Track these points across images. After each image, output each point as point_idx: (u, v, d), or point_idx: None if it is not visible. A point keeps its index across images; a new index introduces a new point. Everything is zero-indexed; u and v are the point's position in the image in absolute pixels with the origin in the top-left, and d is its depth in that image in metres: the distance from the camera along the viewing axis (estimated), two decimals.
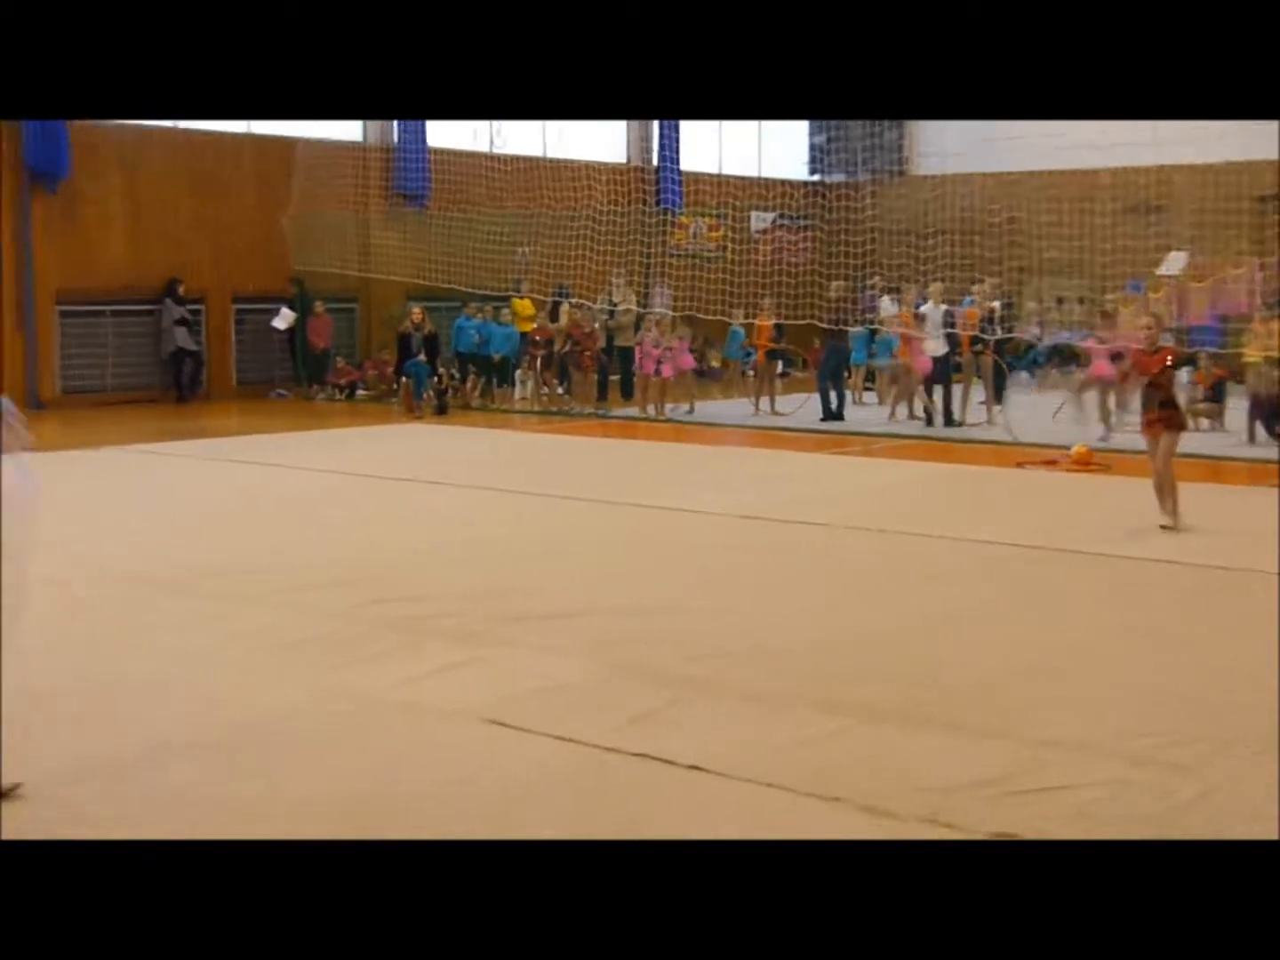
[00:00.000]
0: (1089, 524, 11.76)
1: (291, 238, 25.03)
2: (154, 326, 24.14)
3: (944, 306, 20.40)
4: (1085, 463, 15.73)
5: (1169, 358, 11.40)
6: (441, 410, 22.11)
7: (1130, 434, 18.00)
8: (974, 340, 20.48)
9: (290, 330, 24.80)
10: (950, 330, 20.28)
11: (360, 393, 24.69)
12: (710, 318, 23.48)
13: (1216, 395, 19.45)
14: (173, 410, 22.50)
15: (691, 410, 21.93)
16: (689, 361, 22.84)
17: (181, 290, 24.03)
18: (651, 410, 21.67)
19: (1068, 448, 16.45)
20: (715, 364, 28.05)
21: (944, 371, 20.26)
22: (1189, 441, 16.92)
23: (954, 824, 5.34)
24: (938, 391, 20.42)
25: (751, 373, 23.60)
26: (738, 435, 19.63)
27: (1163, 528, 11.23)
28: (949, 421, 19.90)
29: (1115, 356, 19.73)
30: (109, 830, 5.30)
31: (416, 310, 23.40)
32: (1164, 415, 11.27)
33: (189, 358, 24.15)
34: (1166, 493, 11.32)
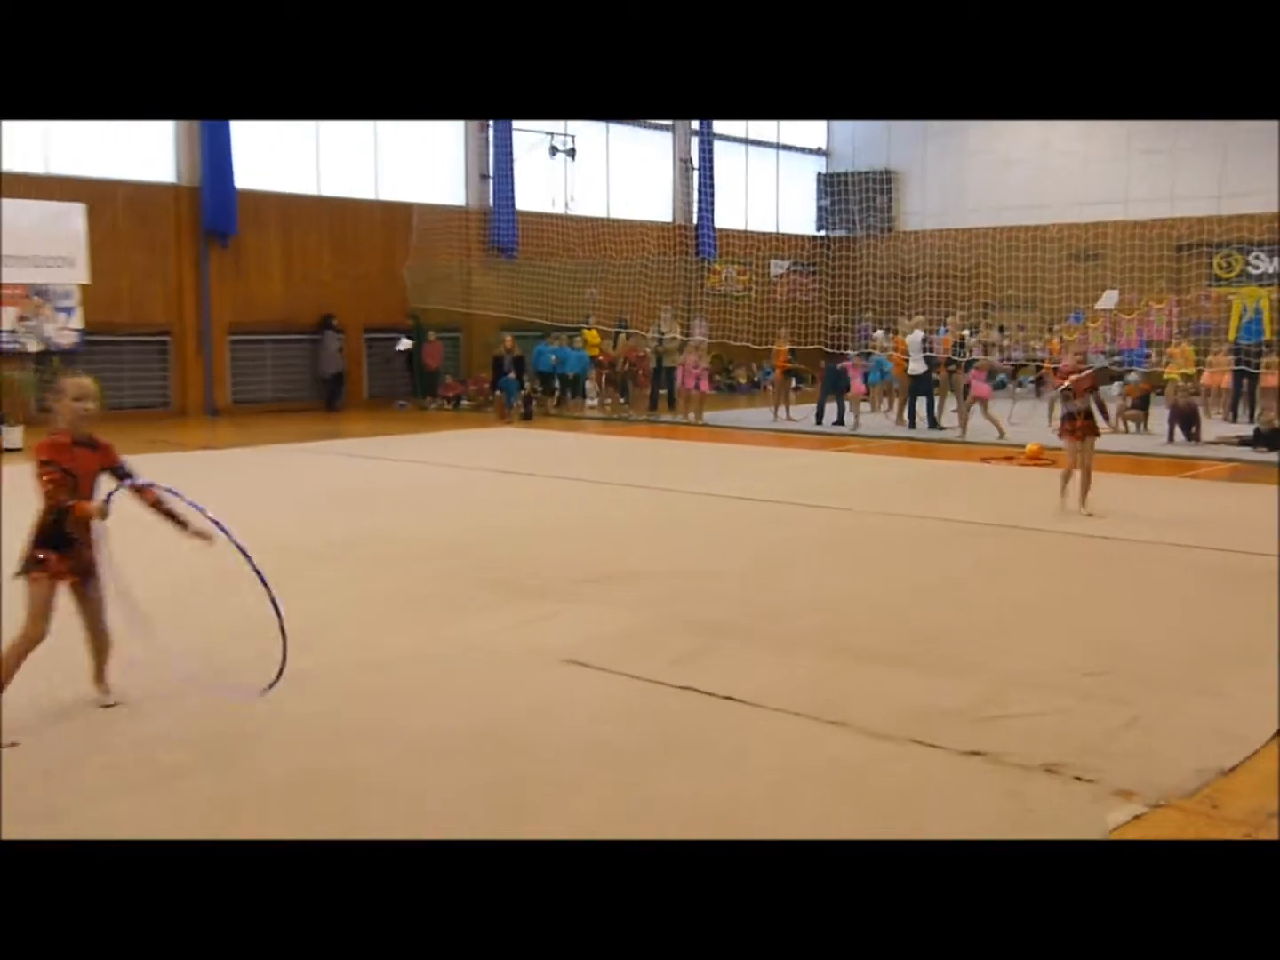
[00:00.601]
0: (1037, 507, 11.69)
1: (410, 282, 25.15)
2: (305, 350, 24.29)
3: (922, 334, 20.29)
4: (1036, 458, 15.64)
5: (1092, 379, 11.43)
6: (527, 417, 22.11)
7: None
8: (948, 361, 20.38)
9: (409, 354, 24.91)
10: (929, 354, 20.17)
11: (464, 403, 24.77)
12: (738, 344, 23.44)
13: (1142, 404, 19.30)
14: (318, 417, 22.60)
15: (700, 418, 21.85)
16: (706, 384, 22.64)
17: (335, 323, 24.18)
18: (691, 416, 21.65)
19: (1022, 446, 16.38)
20: (742, 380, 28.00)
21: (926, 385, 20.15)
22: (1120, 441, 16.91)
23: (937, 744, 5.34)
24: (910, 401, 20.39)
25: (770, 387, 23.52)
26: (760, 437, 19.56)
27: (1087, 515, 11.14)
28: (932, 425, 19.79)
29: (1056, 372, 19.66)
30: (255, 744, 5.34)
31: (508, 338, 23.49)
32: (1086, 424, 11.29)
33: (338, 377, 24.27)
34: (1084, 484, 11.26)
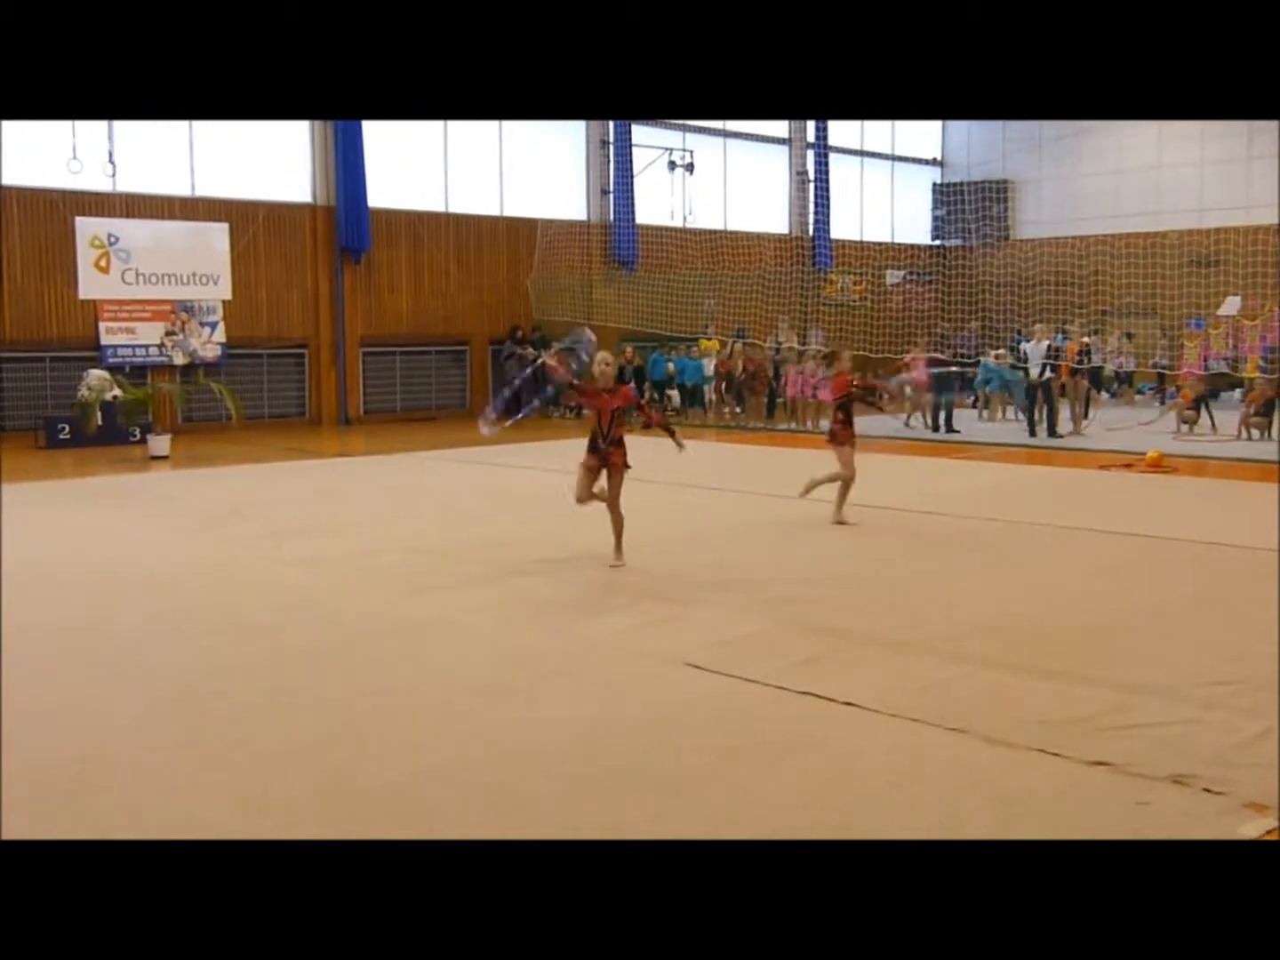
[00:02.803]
0: (1158, 514, 11.36)
1: (534, 294, 25.39)
2: (432, 361, 24.67)
3: (1046, 342, 19.79)
4: (1157, 465, 15.22)
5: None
6: (647, 425, 22.06)
7: (1206, 441, 17.42)
8: (1071, 369, 19.91)
9: (534, 362, 25.12)
10: (1052, 361, 19.70)
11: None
12: (854, 352, 23.19)
13: (1267, 411, 18.66)
14: (444, 425, 22.93)
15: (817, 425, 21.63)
16: (922, 377, 22.44)
17: (520, 334, 24.46)
18: (810, 424, 21.51)
19: (1143, 453, 15.95)
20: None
21: (1046, 393, 19.70)
22: (1245, 448, 16.38)
23: (1059, 752, 5.20)
24: (1030, 407, 19.98)
25: (887, 396, 23.21)
26: (874, 444, 19.29)
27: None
28: (1051, 433, 19.37)
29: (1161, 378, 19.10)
30: (397, 711, 5.41)
31: (628, 349, 23.58)
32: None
33: (515, 386, 24.59)
34: None
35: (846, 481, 11.04)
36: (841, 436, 11.08)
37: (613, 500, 9.19)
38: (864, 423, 19.80)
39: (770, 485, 13.52)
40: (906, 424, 20.98)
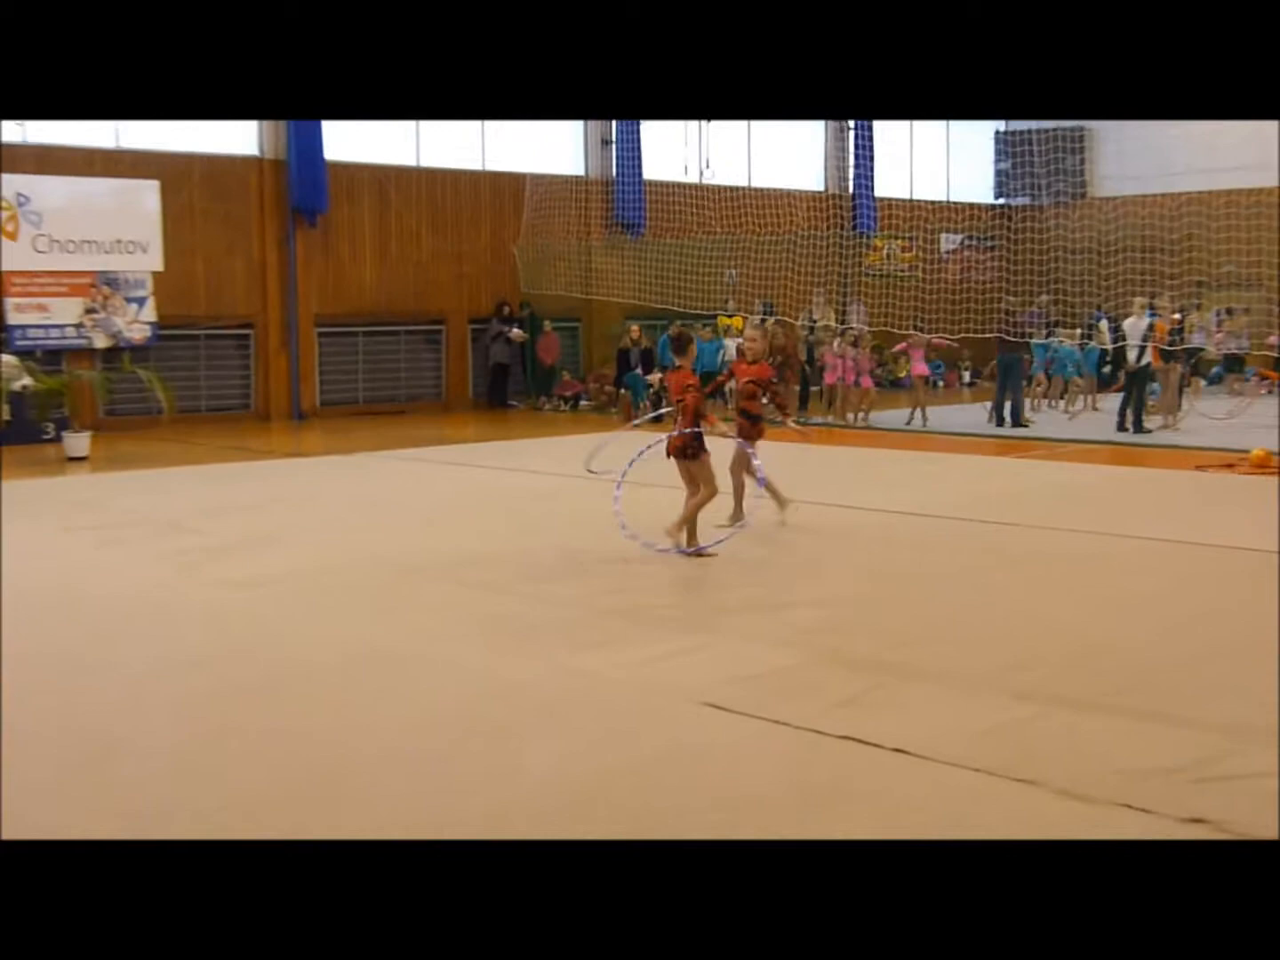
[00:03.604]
0: (1264, 524, 11.33)
1: (521, 265, 25.43)
2: (401, 343, 24.77)
3: (1146, 319, 19.70)
4: (1264, 466, 15.18)
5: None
6: (658, 419, 22.06)
7: None
8: (1162, 352, 19.86)
9: (521, 347, 25.17)
10: (1140, 343, 19.66)
11: (583, 403, 24.95)
12: (903, 333, 23.24)
13: None
14: (416, 419, 23.01)
15: (866, 418, 21.78)
16: (921, 368, 22.51)
17: (507, 311, 24.73)
18: (853, 417, 21.54)
19: (1246, 451, 15.93)
20: (902, 374, 27.78)
21: (1140, 380, 19.66)
22: None
23: (1148, 808, 5.19)
24: (1125, 396, 19.94)
25: (943, 384, 23.35)
26: (929, 440, 19.32)
27: None
28: (1138, 427, 19.34)
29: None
30: (352, 779, 5.42)
31: (634, 327, 23.63)
32: None
33: (504, 369, 24.71)
34: None
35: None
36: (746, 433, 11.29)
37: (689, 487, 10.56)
38: (883, 417, 19.79)
39: (798, 489, 13.46)
40: (908, 422, 21.15)
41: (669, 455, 10.56)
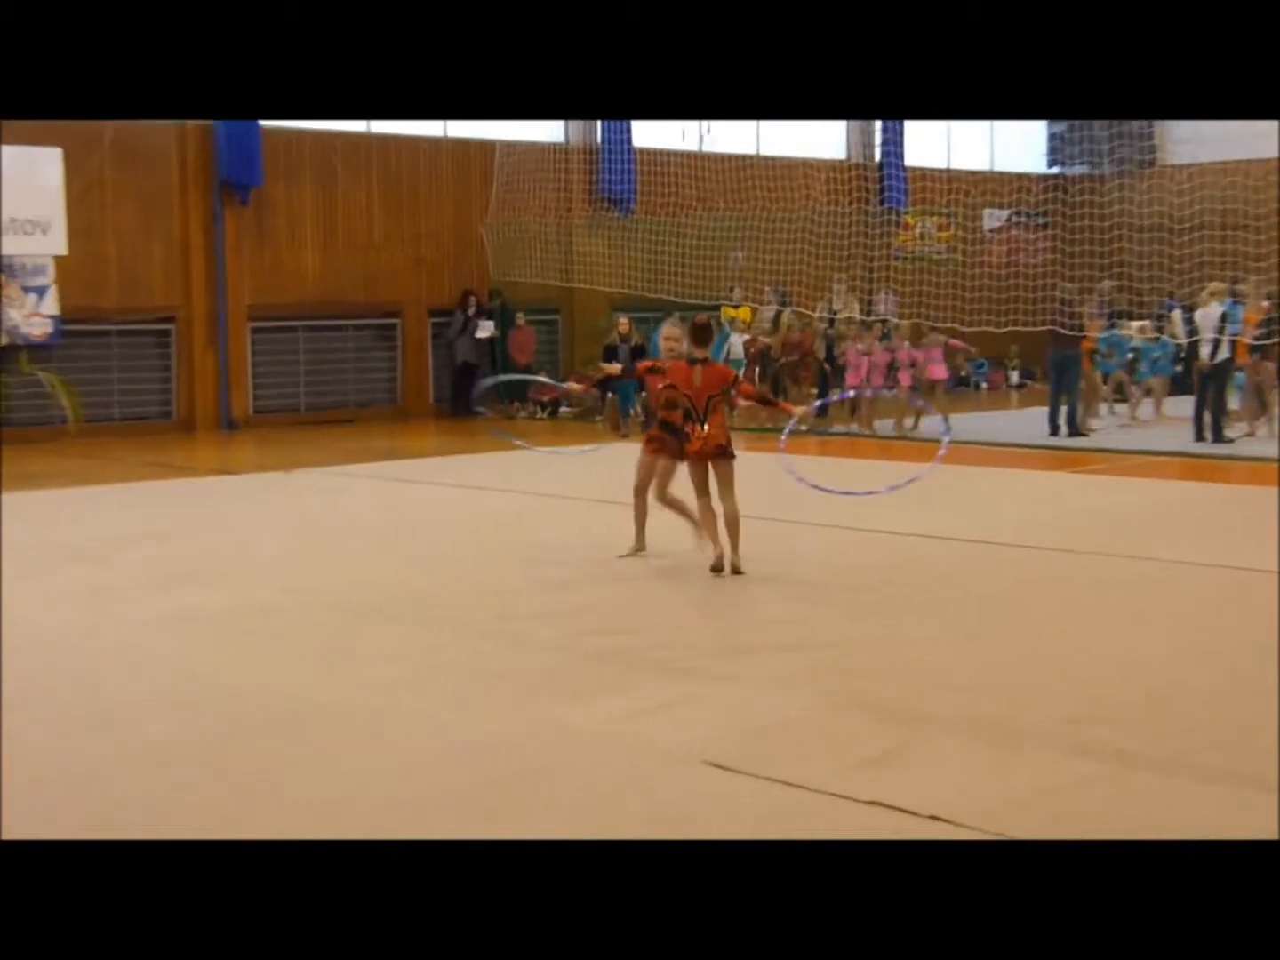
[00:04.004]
0: None
1: (490, 247, 25.47)
2: (349, 339, 24.78)
3: (1220, 308, 19.69)
4: None
5: None
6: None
7: None
8: (1250, 347, 19.81)
9: (490, 343, 25.17)
10: (1216, 336, 19.63)
11: (563, 410, 24.91)
12: (942, 326, 23.25)
13: None
14: (367, 429, 23.04)
15: (915, 427, 21.77)
16: (939, 371, 22.56)
17: (475, 302, 24.97)
18: (902, 427, 21.61)
19: None
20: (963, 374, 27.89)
21: (1219, 380, 19.67)
22: None
23: None
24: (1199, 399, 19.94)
25: (986, 385, 23.41)
26: (968, 453, 19.29)
27: None
28: (1218, 436, 19.33)
29: None
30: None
31: (623, 321, 23.55)
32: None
33: (469, 370, 24.84)
34: None
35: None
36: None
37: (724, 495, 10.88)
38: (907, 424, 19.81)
39: (809, 510, 13.53)
40: (912, 428, 21.42)
41: (692, 459, 10.82)
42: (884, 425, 21.91)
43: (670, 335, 12.05)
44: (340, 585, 10.68)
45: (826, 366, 23.36)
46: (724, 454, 10.75)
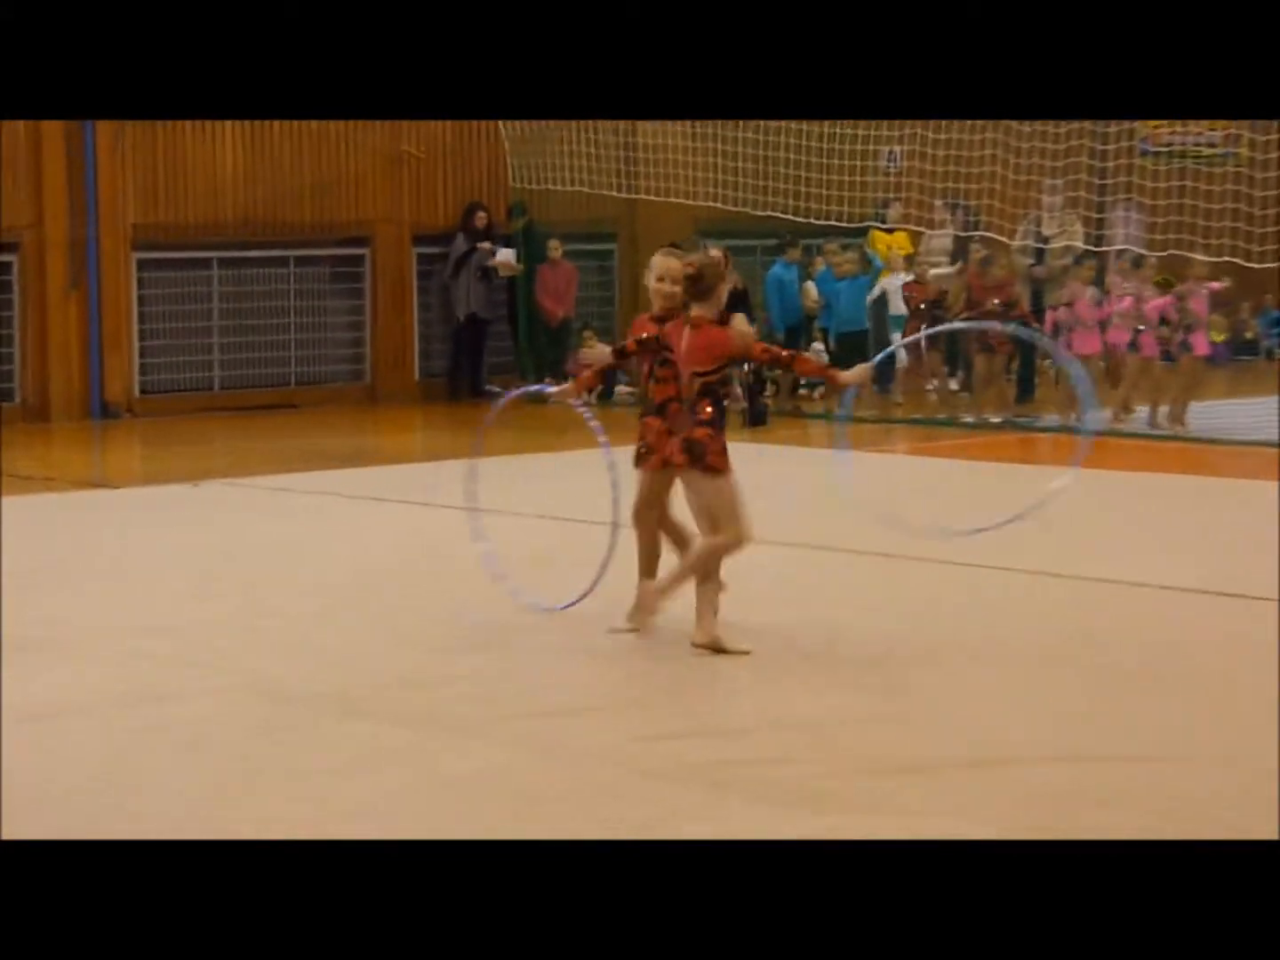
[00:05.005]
0: None
1: (509, 139, 25.57)
2: (286, 284, 24.77)
3: None
4: None
5: None
6: (756, 420, 21.92)
7: None
8: None
9: (510, 282, 25.04)
10: None
11: (620, 389, 24.57)
12: (1215, 259, 22.90)
13: None
14: (317, 419, 23.30)
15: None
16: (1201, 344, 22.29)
17: (484, 222, 25.20)
18: (1163, 420, 21.70)
19: None
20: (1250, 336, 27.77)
21: None
22: None
23: None
24: None
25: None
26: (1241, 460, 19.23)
27: None
28: None
29: None
30: None
31: (715, 252, 23.24)
32: None
33: (478, 325, 25.21)
34: None
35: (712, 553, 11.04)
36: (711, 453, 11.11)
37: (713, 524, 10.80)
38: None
39: (1033, 554, 13.50)
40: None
41: (654, 463, 11.04)
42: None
43: (666, 274, 11.41)
44: (261, 665, 10.59)
45: (1036, 325, 22.93)
46: (700, 461, 10.69)
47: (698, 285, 10.67)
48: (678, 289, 10.93)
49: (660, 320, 11.06)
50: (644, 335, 11.21)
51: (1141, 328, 21.68)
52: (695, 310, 10.66)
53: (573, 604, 11.41)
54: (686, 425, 10.65)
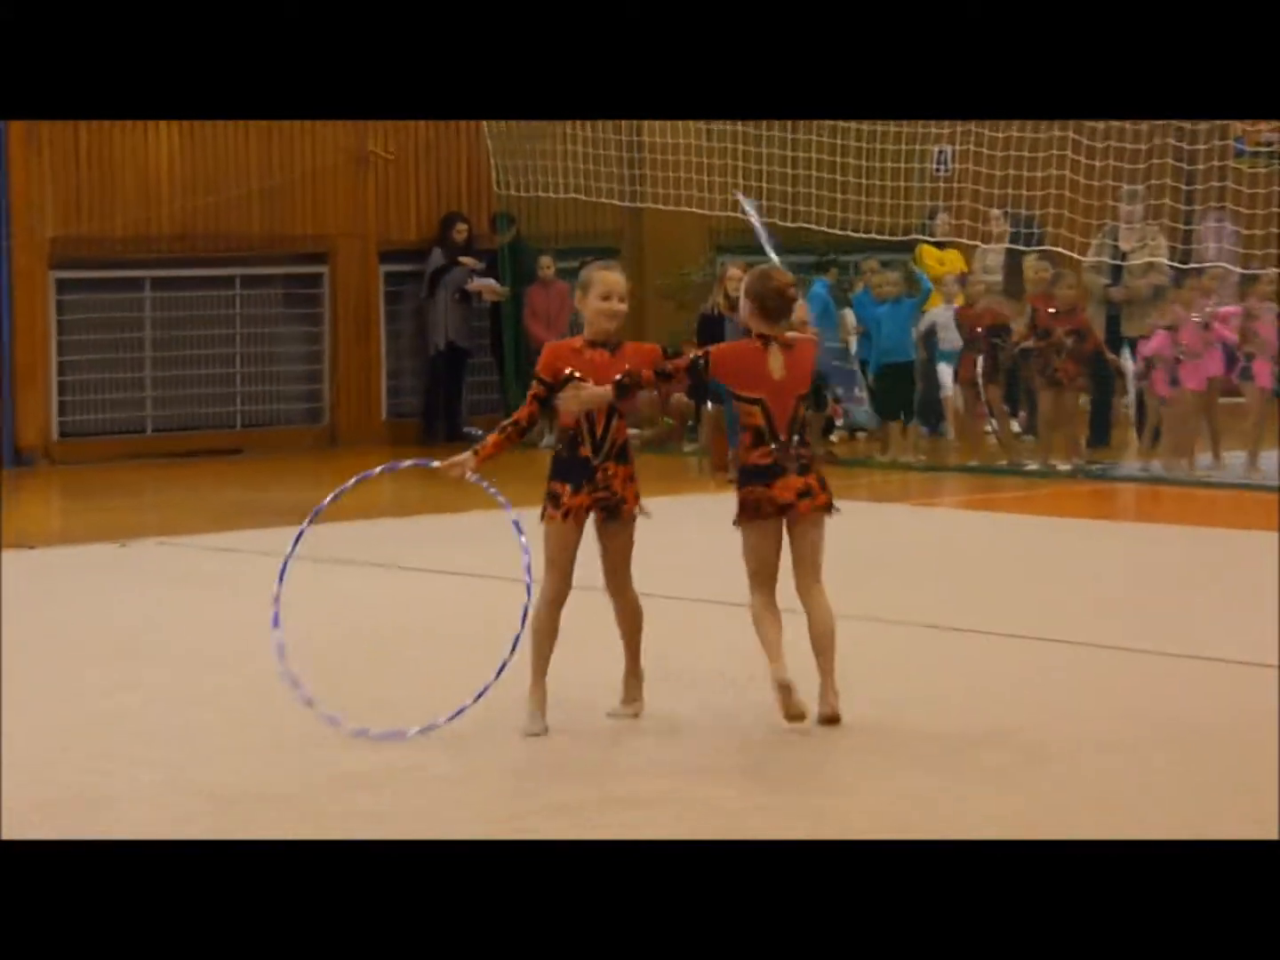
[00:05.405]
0: None
1: (494, 138, 25.65)
2: (231, 308, 24.76)
3: None
4: None
5: None
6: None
7: None
8: None
9: (494, 310, 25.13)
10: None
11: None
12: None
13: None
14: (266, 467, 23.38)
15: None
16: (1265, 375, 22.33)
17: (463, 236, 25.36)
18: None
19: None
20: None
21: None
22: None
23: None
24: None
25: None
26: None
27: None
28: None
29: None
30: None
31: (734, 269, 23.32)
32: None
33: (456, 355, 25.36)
34: None
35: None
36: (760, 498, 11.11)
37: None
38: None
39: (1098, 626, 13.49)
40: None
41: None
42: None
43: (614, 291, 11.04)
44: (200, 777, 10.34)
45: (1110, 356, 23.01)
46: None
47: (788, 302, 10.81)
48: (624, 308, 10.95)
49: (595, 345, 10.95)
50: (569, 370, 11.04)
51: (1252, 352, 21.72)
52: (774, 329, 10.70)
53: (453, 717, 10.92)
54: (795, 461, 10.72)
